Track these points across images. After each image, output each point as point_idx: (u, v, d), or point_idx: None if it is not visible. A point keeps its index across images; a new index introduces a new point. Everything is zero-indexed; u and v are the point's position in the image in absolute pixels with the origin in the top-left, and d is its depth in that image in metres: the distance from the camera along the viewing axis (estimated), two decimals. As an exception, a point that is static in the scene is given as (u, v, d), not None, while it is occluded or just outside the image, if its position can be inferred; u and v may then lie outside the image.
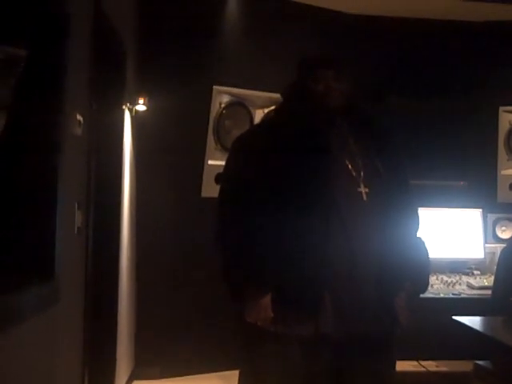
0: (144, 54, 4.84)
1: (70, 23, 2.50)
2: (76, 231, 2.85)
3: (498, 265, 3.75)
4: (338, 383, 2.10)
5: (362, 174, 2.14)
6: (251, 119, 4.96)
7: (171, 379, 4.77)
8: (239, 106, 4.97)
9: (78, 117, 2.83)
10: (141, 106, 4.57)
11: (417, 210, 2.29)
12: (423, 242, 2.26)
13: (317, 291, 2.02)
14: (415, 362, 4.26)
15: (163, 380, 4.75)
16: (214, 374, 4.79)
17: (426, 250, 2.26)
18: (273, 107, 2.46)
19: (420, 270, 2.21)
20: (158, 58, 4.81)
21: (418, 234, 2.28)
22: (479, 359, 3.14)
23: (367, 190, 2.12)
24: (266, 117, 2.48)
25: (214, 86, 4.86)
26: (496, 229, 4.79)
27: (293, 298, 2.03)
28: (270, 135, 2.19)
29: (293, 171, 2.08)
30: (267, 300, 2.05)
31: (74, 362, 2.95)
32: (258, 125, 2.38)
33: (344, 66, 2.27)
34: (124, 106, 4.20)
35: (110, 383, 3.83)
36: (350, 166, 2.15)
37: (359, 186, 2.12)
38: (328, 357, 2.04)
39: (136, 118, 4.66)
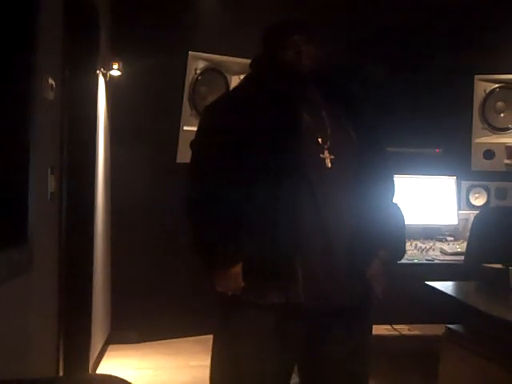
0: (118, 18, 4.76)
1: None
2: (49, 197, 2.83)
3: (471, 231, 3.79)
4: (311, 351, 2.10)
5: (328, 141, 2.11)
6: (227, 85, 4.92)
7: (148, 343, 4.80)
8: (215, 72, 4.93)
9: (50, 81, 2.79)
10: (115, 71, 4.51)
11: (392, 177, 2.28)
12: (399, 209, 2.23)
13: (287, 260, 2.00)
14: (388, 326, 4.32)
15: (140, 344, 4.78)
16: (191, 338, 4.83)
17: (402, 217, 2.23)
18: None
19: (395, 237, 2.18)
20: (133, 23, 4.74)
21: (394, 201, 2.27)
22: (451, 323, 3.19)
23: (332, 156, 2.09)
24: (238, 84, 2.42)
25: (190, 52, 4.81)
26: (470, 196, 4.84)
27: (263, 267, 2.01)
28: (240, 103, 2.14)
29: (261, 139, 2.04)
30: (237, 269, 2.04)
31: (48, 328, 2.95)
32: (228, 93, 2.32)
33: (315, 31, 2.22)
34: (98, 71, 4.15)
35: (86, 348, 3.85)
36: (317, 133, 2.11)
37: (322, 153, 2.08)
38: (301, 325, 2.05)
39: (110, 83, 4.60)
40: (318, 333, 2.07)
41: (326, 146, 2.10)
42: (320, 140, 2.11)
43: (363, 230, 2.08)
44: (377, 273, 2.12)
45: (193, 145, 2.22)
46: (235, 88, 2.35)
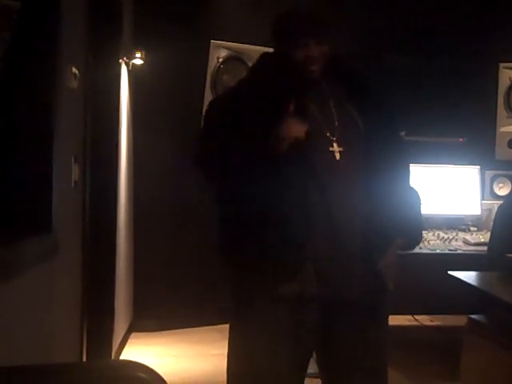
0: (141, 7, 4.78)
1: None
2: (73, 185, 2.85)
3: (495, 221, 3.76)
4: (326, 341, 2.10)
5: (335, 133, 2.09)
6: (249, 74, 4.91)
7: (169, 332, 4.84)
8: (237, 61, 4.93)
9: (74, 70, 2.80)
10: (138, 60, 4.53)
11: (407, 162, 2.23)
12: (415, 193, 2.21)
13: (297, 252, 2.00)
14: (410, 317, 4.31)
15: (161, 333, 4.82)
16: (211, 327, 4.85)
17: (419, 202, 2.22)
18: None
19: (412, 223, 2.17)
20: (156, 12, 4.75)
21: (410, 186, 2.22)
22: (473, 314, 3.18)
23: (341, 149, 2.07)
24: (243, 78, 2.35)
25: (212, 41, 4.81)
26: (493, 186, 4.80)
27: (273, 259, 2.01)
28: (245, 99, 2.10)
29: (267, 136, 2.00)
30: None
31: (72, 315, 2.98)
32: (233, 88, 2.25)
33: (328, 26, 2.12)
34: (121, 60, 4.16)
35: (109, 335, 3.89)
36: (325, 127, 2.09)
37: (331, 146, 2.07)
38: (314, 315, 2.04)
39: (133, 71, 4.62)
40: (332, 322, 2.07)
41: (334, 139, 2.09)
42: (328, 133, 2.09)
43: (378, 220, 2.07)
44: (390, 263, 2.11)
45: (198, 141, 2.19)
46: (241, 82, 2.28)
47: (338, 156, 2.07)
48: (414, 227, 2.20)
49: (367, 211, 2.06)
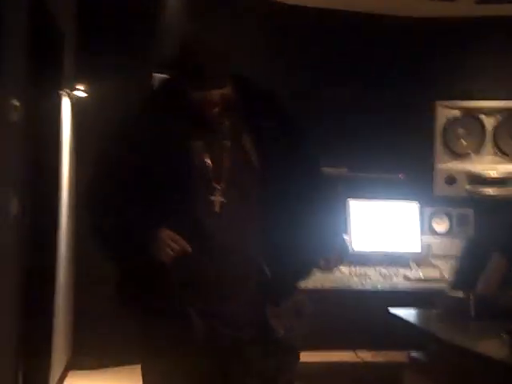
0: (82, 39, 4.74)
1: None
2: (12, 219, 2.79)
3: (462, 257, 3.69)
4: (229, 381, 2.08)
5: (223, 181, 2.00)
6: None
7: (109, 369, 4.70)
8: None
9: (14, 102, 2.76)
10: (81, 93, 4.48)
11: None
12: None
13: (179, 301, 1.99)
14: (352, 353, 4.31)
15: (100, 370, 4.68)
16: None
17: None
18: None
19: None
20: (97, 44, 4.71)
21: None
22: (415, 349, 3.21)
23: (223, 199, 1.98)
24: (137, 111, 2.19)
25: (154, 74, 4.80)
26: (432, 222, 4.87)
27: (160, 316, 2.02)
28: (134, 136, 2.02)
29: (151, 179, 1.96)
30: (166, 230, 1.94)
31: (7, 354, 2.89)
32: (125, 122, 2.15)
33: (230, 66, 2.01)
34: (62, 92, 4.11)
35: (45, 375, 3.77)
36: (212, 174, 2.01)
37: (214, 195, 1.99)
38: (211, 364, 2.02)
39: (77, 104, 4.57)
40: (229, 365, 2.06)
41: (219, 188, 2.01)
42: (214, 182, 2.01)
43: (275, 265, 2.02)
44: (279, 313, 2.06)
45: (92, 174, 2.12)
46: (133, 115, 2.15)
47: (218, 206, 2.00)
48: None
49: (261, 257, 2.02)
